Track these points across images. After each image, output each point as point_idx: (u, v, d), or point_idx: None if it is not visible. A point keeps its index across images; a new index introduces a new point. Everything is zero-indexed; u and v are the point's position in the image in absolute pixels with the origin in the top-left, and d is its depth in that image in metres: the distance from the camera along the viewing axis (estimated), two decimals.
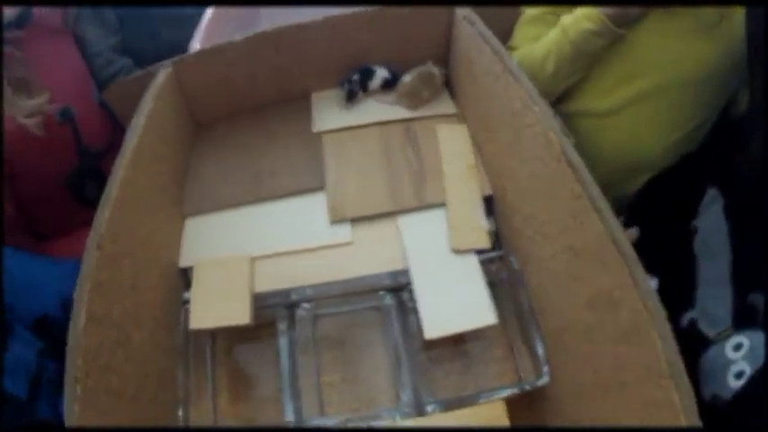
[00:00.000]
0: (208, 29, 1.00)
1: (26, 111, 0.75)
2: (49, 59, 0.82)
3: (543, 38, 0.84)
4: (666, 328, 0.42)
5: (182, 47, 0.79)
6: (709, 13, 0.77)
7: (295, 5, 1.07)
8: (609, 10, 0.76)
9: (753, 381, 0.52)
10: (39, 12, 0.82)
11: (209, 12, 1.04)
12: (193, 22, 1.02)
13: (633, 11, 0.76)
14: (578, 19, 0.79)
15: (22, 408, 0.60)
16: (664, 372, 0.41)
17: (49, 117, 0.78)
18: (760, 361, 0.52)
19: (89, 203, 0.84)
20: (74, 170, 0.84)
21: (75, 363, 0.45)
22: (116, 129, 0.89)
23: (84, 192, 0.86)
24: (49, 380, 0.64)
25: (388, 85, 0.87)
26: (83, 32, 0.89)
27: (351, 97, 0.85)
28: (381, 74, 0.86)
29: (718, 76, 0.80)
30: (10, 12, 0.76)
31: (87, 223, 0.54)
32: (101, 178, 0.85)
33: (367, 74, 0.86)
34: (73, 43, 0.88)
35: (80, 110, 0.83)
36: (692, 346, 0.58)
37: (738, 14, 0.76)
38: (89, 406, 0.45)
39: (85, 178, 0.85)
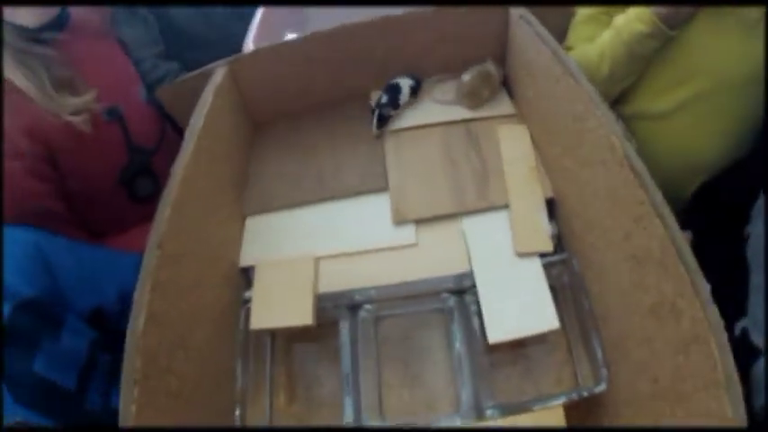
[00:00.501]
0: (260, 30, 1.03)
1: (71, 108, 0.78)
2: (91, 60, 0.86)
3: (597, 39, 0.86)
4: (724, 338, 0.44)
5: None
6: (751, 12, 0.79)
7: (343, 5, 1.09)
8: (661, 10, 0.78)
9: None
10: (77, 14, 0.86)
11: (259, 13, 1.08)
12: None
13: (684, 10, 0.78)
14: (631, 20, 0.81)
15: (72, 398, 0.63)
16: (720, 383, 0.42)
17: (97, 116, 0.82)
18: None
19: (141, 201, 0.89)
20: (124, 168, 0.87)
21: (133, 364, 0.47)
22: (165, 127, 0.94)
23: (136, 189, 0.89)
24: (101, 371, 0.67)
25: (414, 92, 0.88)
26: (124, 35, 0.93)
27: (381, 123, 0.85)
28: (407, 83, 0.87)
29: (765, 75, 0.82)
30: (47, 14, 0.80)
31: (141, 220, 0.57)
32: (152, 176, 0.89)
33: (395, 90, 0.86)
34: (116, 45, 0.92)
35: (127, 109, 0.87)
36: (744, 356, 0.59)
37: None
38: (147, 406, 0.47)
39: (136, 176, 0.89)
